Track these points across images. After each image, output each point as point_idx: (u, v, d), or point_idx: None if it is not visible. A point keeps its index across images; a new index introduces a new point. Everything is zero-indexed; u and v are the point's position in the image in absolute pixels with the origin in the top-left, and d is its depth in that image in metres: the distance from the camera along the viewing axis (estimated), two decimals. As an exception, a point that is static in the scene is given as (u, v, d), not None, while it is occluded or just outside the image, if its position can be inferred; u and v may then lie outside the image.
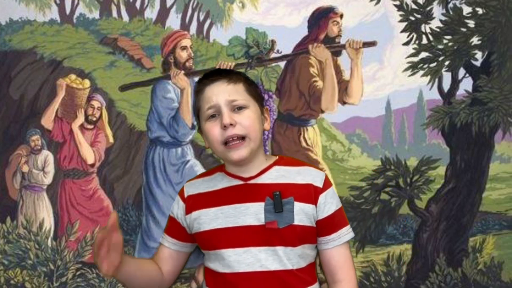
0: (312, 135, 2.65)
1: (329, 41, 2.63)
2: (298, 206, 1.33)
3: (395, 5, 2.59)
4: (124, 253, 1.35)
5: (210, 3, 2.71)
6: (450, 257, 2.57)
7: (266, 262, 1.32)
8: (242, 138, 1.31)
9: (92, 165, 2.73)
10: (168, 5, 2.73)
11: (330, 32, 2.63)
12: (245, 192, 1.35)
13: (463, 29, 2.54)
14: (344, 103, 2.62)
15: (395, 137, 2.66)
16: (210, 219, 1.36)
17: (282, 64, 2.65)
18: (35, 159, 2.74)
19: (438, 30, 2.56)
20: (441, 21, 2.56)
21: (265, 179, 1.36)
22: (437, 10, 2.57)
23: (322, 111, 2.63)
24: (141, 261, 1.44)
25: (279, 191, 1.33)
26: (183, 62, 2.68)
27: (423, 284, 2.57)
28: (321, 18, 2.63)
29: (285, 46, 2.63)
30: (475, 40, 2.54)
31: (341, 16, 2.62)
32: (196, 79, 1.51)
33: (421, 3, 2.58)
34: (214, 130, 1.32)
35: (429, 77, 2.57)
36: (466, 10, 2.54)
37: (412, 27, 2.58)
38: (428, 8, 2.57)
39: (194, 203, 1.41)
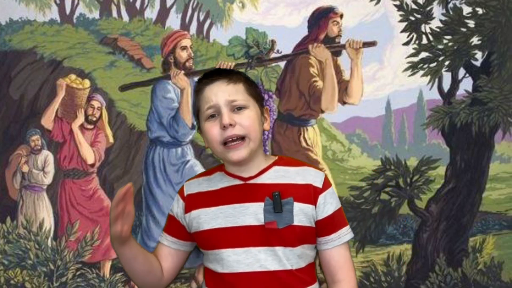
0: (312, 135, 2.64)
1: (329, 41, 2.63)
2: (298, 207, 1.33)
3: (395, 5, 2.59)
4: None
5: (210, 3, 2.71)
6: (450, 257, 2.57)
7: (266, 262, 1.32)
8: (242, 138, 1.31)
9: (92, 165, 2.73)
10: (168, 5, 2.73)
11: (330, 32, 2.63)
12: (244, 192, 1.35)
13: (463, 29, 2.54)
14: (344, 103, 2.62)
15: (395, 137, 2.66)
16: (209, 218, 1.36)
17: (282, 64, 2.65)
18: (35, 159, 2.74)
19: (438, 30, 2.56)
20: (441, 21, 2.56)
21: (264, 179, 1.36)
22: (437, 10, 2.57)
23: (322, 111, 2.63)
24: (145, 250, 1.43)
25: (278, 191, 1.32)
26: (183, 62, 2.68)
27: (423, 284, 2.57)
28: (321, 18, 2.63)
29: (285, 46, 2.63)
30: (475, 40, 2.54)
31: (341, 16, 2.62)
32: (196, 79, 1.51)
33: (421, 3, 2.58)
34: (213, 130, 1.32)
35: (429, 77, 2.57)
36: (466, 10, 2.54)
37: (412, 27, 2.57)
38: (428, 8, 2.57)
39: (194, 202, 1.40)
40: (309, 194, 1.35)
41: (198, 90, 1.38)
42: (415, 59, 2.57)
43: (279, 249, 1.32)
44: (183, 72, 2.66)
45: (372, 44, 2.59)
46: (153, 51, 2.73)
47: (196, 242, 1.43)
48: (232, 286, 1.33)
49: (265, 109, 1.41)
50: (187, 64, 2.68)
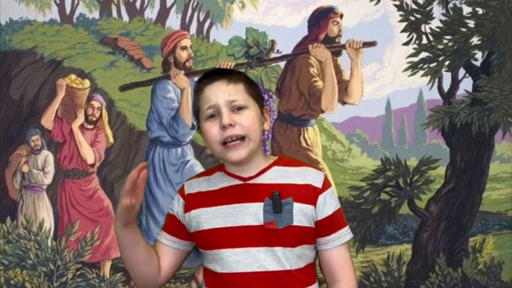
0: (312, 135, 2.64)
1: (329, 41, 2.63)
2: (297, 207, 1.32)
3: (395, 5, 2.59)
4: None
5: (210, 3, 2.71)
6: (450, 257, 2.57)
7: (265, 263, 1.32)
8: (242, 138, 1.31)
9: (92, 165, 2.73)
10: (168, 5, 2.73)
11: (330, 32, 2.63)
12: (244, 192, 1.35)
13: (463, 29, 2.54)
14: (344, 103, 2.62)
15: (395, 137, 2.66)
16: (209, 218, 1.36)
17: (282, 64, 2.65)
18: (35, 159, 2.74)
19: (438, 30, 2.56)
20: (441, 21, 2.56)
21: (264, 179, 1.36)
22: (437, 10, 2.57)
23: (322, 111, 2.63)
24: (146, 241, 1.42)
25: (278, 192, 1.32)
26: (183, 62, 2.68)
27: (423, 284, 2.57)
28: (321, 18, 2.63)
29: (285, 46, 2.63)
30: (475, 40, 2.54)
31: (341, 16, 2.62)
32: (196, 79, 1.50)
33: (421, 3, 2.58)
34: (212, 130, 1.32)
35: (429, 77, 2.57)
36: (466, 10, 2.54)
37: (412, 27, 2.57)
38: (428, 8, 2.57)
39: (194, 201, 1.40)
40: (309, 195, 1.35)
41: (198, 90, 1.38)
42: (415, 59, 2.57)
43: (278, 249, 1.32)
44: (183, 72, 2.66)
45: (372, 44, 2.59)
46: (153, 51, 2.73)
47: (195, 242, 1.43)
48: (231, 286, 1.33)
49: (265, 109, 1.41)
50: (187, 64, 2.68)
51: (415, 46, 2.57)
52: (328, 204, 1.36)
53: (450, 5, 2.56)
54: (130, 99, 2.73)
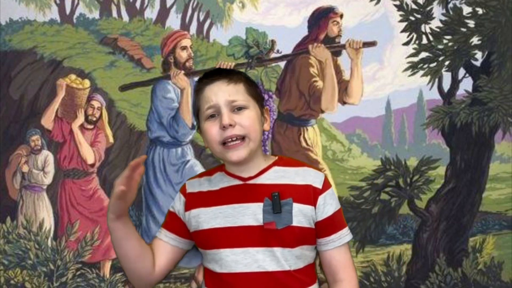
0: (312, 135, 2.64)
1: (329, 41, 2.63)
2: (297, 207, 1.32)
3: (395, 5, 2.59)
4: None
5: (210, 3, 2.71)
6: (450, 257, 2.57)
7: (264, 263, 1.31)
8: (242, 138, 1.31)
9: (92, 165, 2.73)
10: (168, 5, 2.73)
11: (330, 32, 2.63)
12: (244, 192, 1.35)
13: (463, 29, 2.54)
14: (344, 103, 2.62)
15: (395, 137, 2.66)
16: (209, 218, 1.36)
17: (282, 64, 2.65)
18: (35, 159, 2.74)
19: (438, 30, 2.56)
20: (441, 21, 2.56)
21: (264, 179, 1.36)
22: (437, 10, 2.57)
23: (322, 111, 2.63)
24: (140, 237, 1.41)
25: (277, 192, 1.32)
26: (183, 62, 2.68)
27: (423, 284, 2.57)
28: (321, 18, 2.63)
29: (285, 46, 2.63)
30: (475, 40, 2.54)
31: (341, 16, 2.62)
32: (196, 79, 1.51)
33: (421, 3, 2.58)
34: (212, 130, 1.32)
35: (429, 77, 2.57)
36: (466, 10, 2.54)
37: (412, 27, 2.57)
38: (428, 8, 2.57)
39: (194, 201, 1.40)
40: (309, 195, 1.35)
41: (198, 90, 1.38)
42: (415, 59, 2.57)
43: (277, 250, 1.32)
44: (183, 72, 2.66)
45: (372, 44, 2.59)
46: (153, 51, 2.73)
47: (195, 241, 1.43)
48: (231, 286, 1.33)
49: (265, 109, 1.41)
50: (187, 64, 2.68)
51: (415, 46, 2.57)
52: (328, 204, 1.36)
53: (450, 5, 2.56)
54: (130, 99, 2.73)
